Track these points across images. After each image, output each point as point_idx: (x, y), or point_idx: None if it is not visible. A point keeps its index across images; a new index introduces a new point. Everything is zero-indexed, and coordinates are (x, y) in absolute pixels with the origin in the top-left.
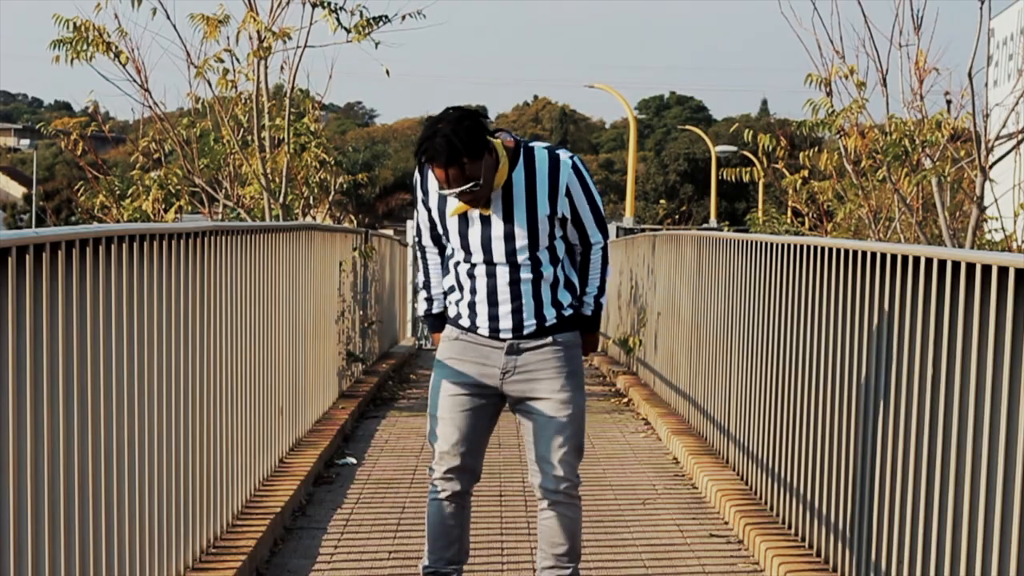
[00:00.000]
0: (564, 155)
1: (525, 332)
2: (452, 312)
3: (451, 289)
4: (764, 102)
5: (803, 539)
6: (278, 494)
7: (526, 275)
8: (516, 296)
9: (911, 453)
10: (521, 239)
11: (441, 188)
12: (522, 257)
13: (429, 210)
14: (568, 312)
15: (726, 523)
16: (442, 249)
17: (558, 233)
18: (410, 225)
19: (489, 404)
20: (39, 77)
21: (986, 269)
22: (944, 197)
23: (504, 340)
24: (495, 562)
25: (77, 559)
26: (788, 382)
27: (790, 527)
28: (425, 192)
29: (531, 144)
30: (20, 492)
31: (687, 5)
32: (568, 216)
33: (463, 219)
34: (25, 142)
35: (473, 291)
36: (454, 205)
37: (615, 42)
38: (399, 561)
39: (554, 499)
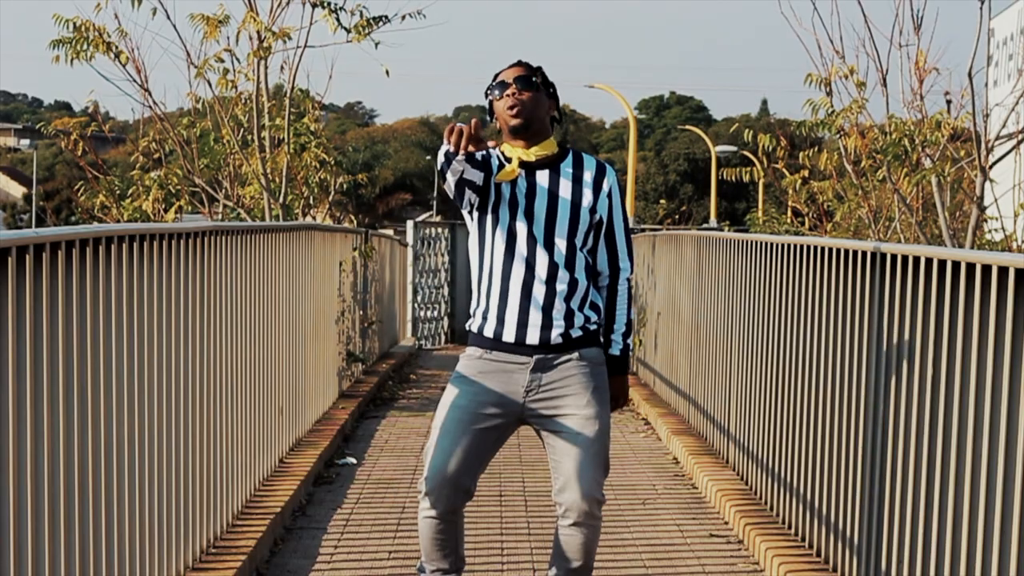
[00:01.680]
0: (608, 166)
1: (552, 342)
2: (476, 325)
3: (479, 297)
4: (764, 102)
5: (803, 539)
6: (278, 494)
7: (563, 275)
8: (550, 295)
9: (911, 453)
10: (563, 220)
11: (506, 80)
12: (560, 241)
13: (487, 168)
14: (593, 328)
15: (726, 523)
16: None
17: (591, 242)
18: (410, 225)
19: (502, 426)
20: (39, 77)
21: (986, 269)
22: (944, 197)
23: (530, 354)
24: (495, 562)
25: (77, 559)
26: (788, 382)
27: (790, 527)
28: (488, 154)
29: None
30: (20, 492)
31: (687, 5)
32: (604, 219)
33: (511, 187)
34: (25, 142)
35: (506, 285)
36: (497, 173)
37: (615, 42)
38: (399, 561)
39: (577, 519)
